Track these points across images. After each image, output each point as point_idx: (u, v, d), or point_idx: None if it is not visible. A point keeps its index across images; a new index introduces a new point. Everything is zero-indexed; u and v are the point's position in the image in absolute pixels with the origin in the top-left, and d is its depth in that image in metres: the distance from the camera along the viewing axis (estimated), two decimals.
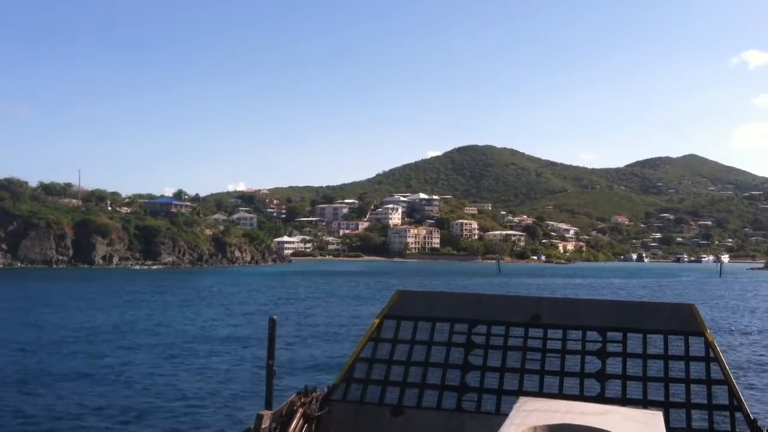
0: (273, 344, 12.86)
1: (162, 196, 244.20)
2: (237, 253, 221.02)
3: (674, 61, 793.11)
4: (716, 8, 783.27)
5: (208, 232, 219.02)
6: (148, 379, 34.22)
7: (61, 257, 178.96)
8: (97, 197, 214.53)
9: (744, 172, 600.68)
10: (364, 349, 14.77)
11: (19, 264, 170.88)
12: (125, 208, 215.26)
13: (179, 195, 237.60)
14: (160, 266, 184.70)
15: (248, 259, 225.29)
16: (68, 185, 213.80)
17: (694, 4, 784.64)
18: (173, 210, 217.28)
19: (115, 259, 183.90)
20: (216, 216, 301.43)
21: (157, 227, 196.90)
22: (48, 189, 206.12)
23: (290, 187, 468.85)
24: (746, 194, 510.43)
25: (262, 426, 11.47)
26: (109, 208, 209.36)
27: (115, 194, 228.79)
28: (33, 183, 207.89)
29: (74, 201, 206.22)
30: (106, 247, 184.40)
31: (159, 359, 40.56)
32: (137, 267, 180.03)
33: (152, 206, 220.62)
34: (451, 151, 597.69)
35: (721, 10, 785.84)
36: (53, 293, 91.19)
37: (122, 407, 28.20)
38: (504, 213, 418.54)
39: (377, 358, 14.62)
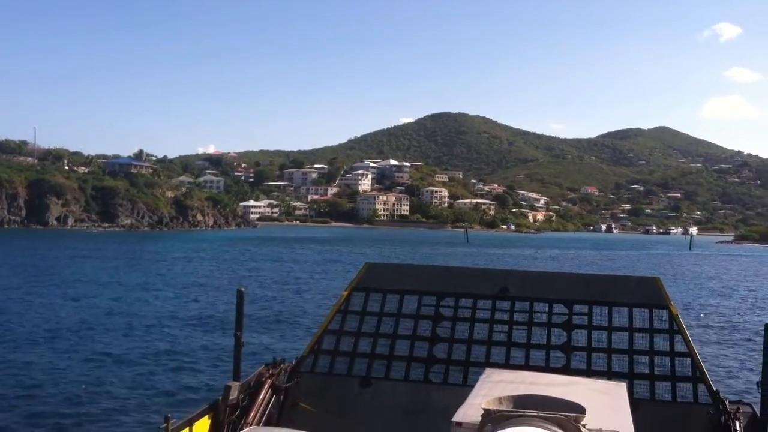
0: (241, 316, 12.83)
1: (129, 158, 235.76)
2: (199, 217, 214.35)
3: (646, 33, 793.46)
4: None
5: (169, 194, 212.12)
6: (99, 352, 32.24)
7: (13, 218, 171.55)
8: (54, 156, 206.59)
9: (714, 145, 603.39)
10: (332, 321, 14.76)
11: None
12: (83, 168, 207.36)
13: (140, 155, 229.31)
14: (117, 229, 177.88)
15: (211, 223, 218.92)
16: (24, 143, 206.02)
17: None
18: (133, 171, 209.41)
19: (70, 221, 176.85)
20: (182, 178, 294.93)
21: (115, 188, 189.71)
22: (1, 146, 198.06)
23: (261, 151, 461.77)
24: (716, 167, 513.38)
25: (230, 397, 11.48)
26: (66, 167, 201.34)
27: (77, 154, 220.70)
28: None
29: (29, 159, 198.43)
30: (60, 207, 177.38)
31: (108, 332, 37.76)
32: (93, 229, 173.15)
33: (111, 166, 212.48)
34: (424, 118, 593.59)
35: None
36: None
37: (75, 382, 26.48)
38: (475, 181, 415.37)
39: (346, 330, 14.65)
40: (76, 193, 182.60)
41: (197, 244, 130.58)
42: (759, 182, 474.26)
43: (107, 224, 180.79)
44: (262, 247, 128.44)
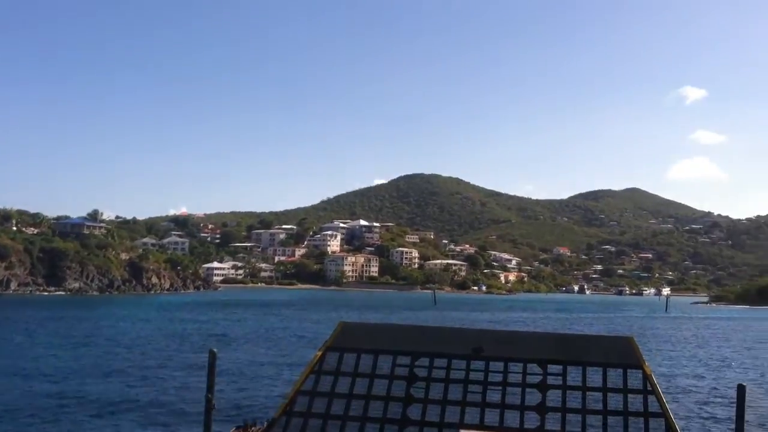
0: (213, 378, 13.22)
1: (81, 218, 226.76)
2: (154, 280, 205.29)
3: (614, 95, 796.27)
4: (653, 44, 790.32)
5: (123, 256, 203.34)
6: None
7: None
8: (3, 216, 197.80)
9: (684, 206, 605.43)
10: (305, 381, 14.59)
11: None
12: (32, 229, 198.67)
13: (95, 215, 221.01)
14: (63, 293, 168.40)
15: (167, 285, 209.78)
16: None
17: (630, 40, 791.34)
18: (86, 231, 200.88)
19: (13, 285, 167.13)
20: (145, 239, 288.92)
21: (64, 250, 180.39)
22: None
23: (232, 212, 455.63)
24: (686, 228, 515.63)
25: None
26: (14, 228, 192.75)
27: (37, 215, 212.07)
28: None
29: None
30: (3, 270, 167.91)
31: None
32: (36, 293, 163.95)
33: (63, 227, 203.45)
34: (397, 179, 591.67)
35: (657, 46, 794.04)
36: None
37: None
38: (446, 242, 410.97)
39: (319, 391, 14.41)
40: (22, 255, 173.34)
41: (132, 310, 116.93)
42: (730, 242, 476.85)
43: (53, 288, 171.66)
44: (206, 313, 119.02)
